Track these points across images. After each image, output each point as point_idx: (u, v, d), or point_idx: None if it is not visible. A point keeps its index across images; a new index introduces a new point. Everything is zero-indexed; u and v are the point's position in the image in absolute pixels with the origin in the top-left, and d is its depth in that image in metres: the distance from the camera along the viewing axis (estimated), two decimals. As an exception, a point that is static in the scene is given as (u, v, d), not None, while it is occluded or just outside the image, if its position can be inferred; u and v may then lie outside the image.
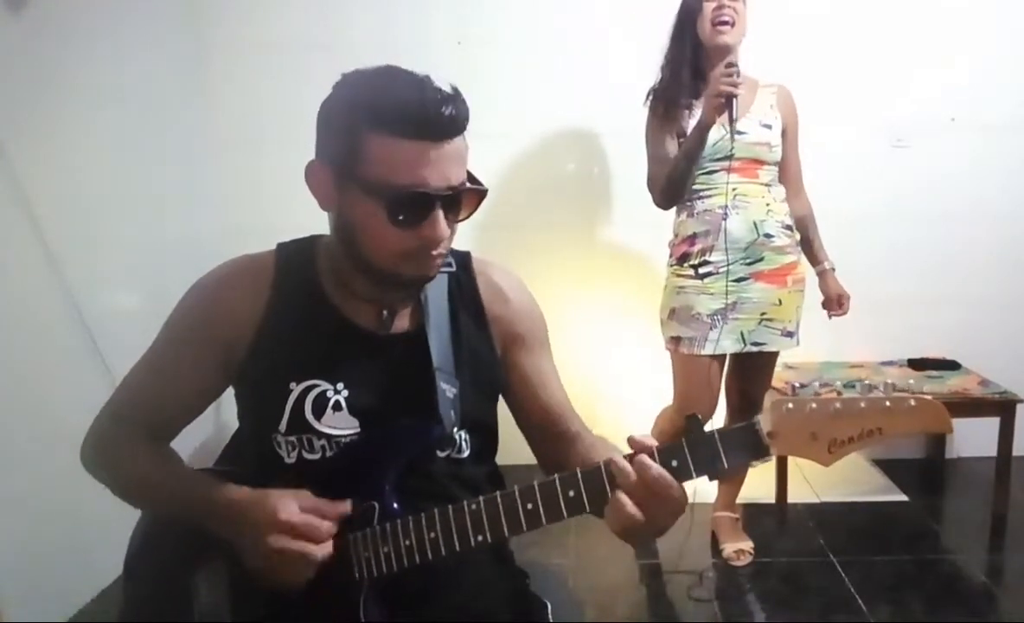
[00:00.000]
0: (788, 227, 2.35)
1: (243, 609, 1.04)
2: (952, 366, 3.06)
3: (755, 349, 2.34)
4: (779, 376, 2.97)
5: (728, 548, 2.58)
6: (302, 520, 0.97)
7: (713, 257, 2.29)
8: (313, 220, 1.16)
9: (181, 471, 1.10)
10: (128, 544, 1.15)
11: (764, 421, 0.90)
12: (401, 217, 0.96)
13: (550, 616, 1.20)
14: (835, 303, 2.50)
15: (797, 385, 2.83)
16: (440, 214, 0.97)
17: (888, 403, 0.88)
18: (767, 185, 2.31)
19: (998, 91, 3.06)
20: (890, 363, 3.13)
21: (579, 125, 3.08)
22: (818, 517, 2.78)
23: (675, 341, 2.38)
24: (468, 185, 1.00)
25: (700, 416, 2.37)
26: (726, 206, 2.26)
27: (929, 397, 0.88)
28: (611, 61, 2.99)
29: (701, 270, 2.31)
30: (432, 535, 0.98)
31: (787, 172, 2.41)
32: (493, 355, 1.15)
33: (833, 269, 2.51)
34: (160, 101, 2.73)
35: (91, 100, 2.34)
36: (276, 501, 0.97)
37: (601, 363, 3.11)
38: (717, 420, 2.58)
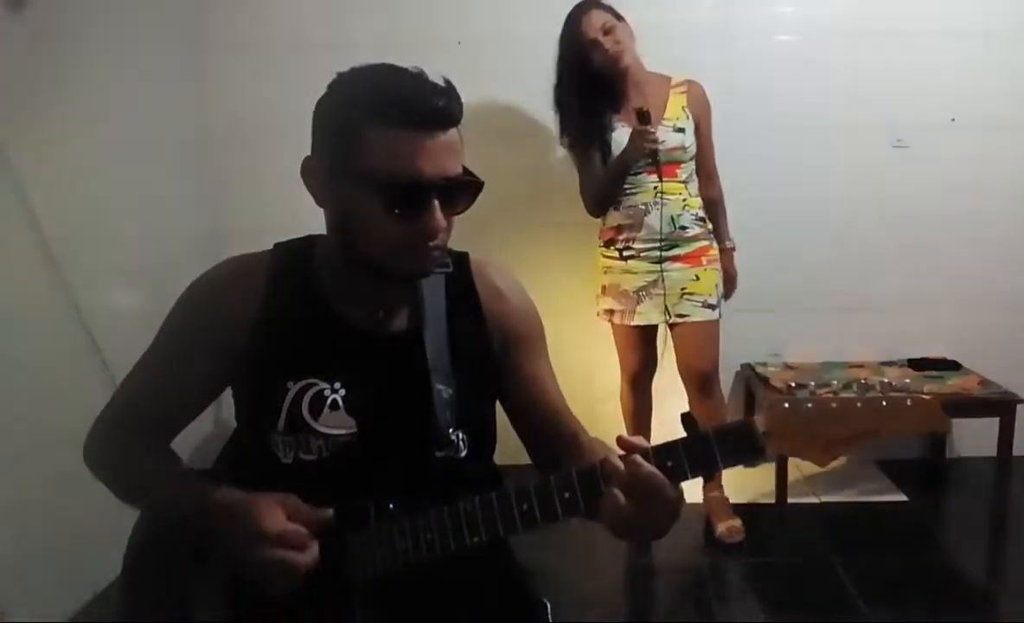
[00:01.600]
0: (701, 219, 2.62)
1: (241, 609, 1.04)
2: (952, 366, 3.06)
3: (680, 320, 2.61)
4: (777, 376, 2.97)
5: (720, 527, 2.66)
6: (285, 529, 0.95)
7: (635, 245, 2.59)
8: (312, 220, 1.16)
9: (178, 473, 1.10)
10: (127, 544, 1.15)
11: (759, 421, 0.90)
12: (398, 208, 0.97)
13: (550, 616, 1.20)
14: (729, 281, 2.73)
15: (794, 385, 2.83)
16: (436, 204, 0.97)
17: (884, 403, 0.88)
18: (684, 182, 2.58)
19: (998, 91, 3.06)
20: (890, 363, 3.13)
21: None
22: (818, 517, 2.78)
23: (609, 313, 2.69)
24: (465, 177, 1.01)
25: (640, 376, 2.44)
26: (648, 203, 2.54)
27: (926, 396, 0.88)
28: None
29: (625, 253, 2.61)
30: (428, 536, 0.98)
31: (701, 160, 2.65)
32: (490, 355, 1.15)
33: (734, 249, 2.74)
34: (160, 101, 2.73)
35: (91, 100, 2.33)
36: (261, 509, 0.96)
37: (600, 363, 3.11)
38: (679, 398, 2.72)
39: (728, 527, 2.65)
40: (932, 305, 3.17)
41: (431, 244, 1.00)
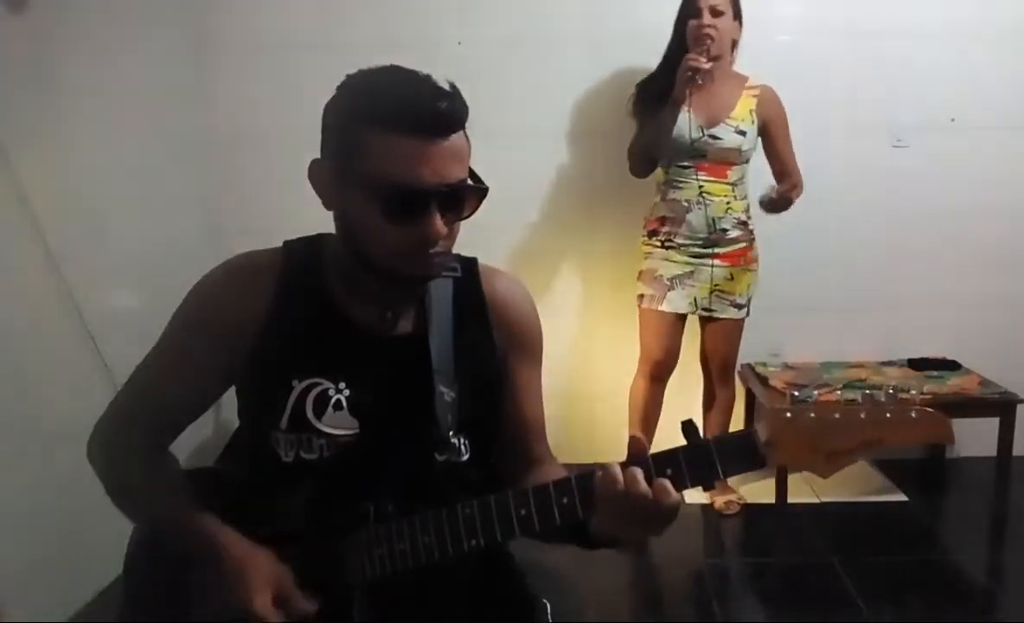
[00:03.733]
0: (743, 222, 2.67)
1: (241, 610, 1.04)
2: (952, 366, 3.06)
3: (705, 314, 2.71)
4: (778, 377, 2.97)
5: (718, 500, 2.80)
6: (268, 618, 0.96)
7: (676, 239, 2.65)
8: (313, 220, 1.16)
9: (176, 493, 1.09)
10: (128, 544, 1.15)
11: (761, 430, 0.89)
12: (396, 213, 0.96)
13: (550, 616, 1.20)
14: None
15: (796, 389, 2.83)
16: (436, 212, 0.97)
17: (889, 414, 0.86)
18: (733, 184, 2.62)
19: (998, 91, 3.06)
20: (890, 363, 3.13)
21: (580, 125, 3.08)
22: (818, 517, 2.78)
23: (640, 298, 2.74)
24: (468, 183, 1.00)
25: (657, 369, 2.52)
26: (691, 201, 2.60)
27: (931, 409, 0.86)
28: (612, 62, 2.99)
29: (666, 243, 2.68)
30: (426, 538, 0.98)
31: (778, 163, 2.68)
32: (495, 360, 1.14)
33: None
34: (160, 101, 2.72)
35: (91, 100, 2.33)
36: (252, 578, 0.97)
37: (600, 363, 3.11)
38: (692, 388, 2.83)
39: (726, 500, 2.80)
40: (932, 305, 3.17)
41: (431, 251, 0.99)
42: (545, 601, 1.22)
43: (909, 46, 3.02)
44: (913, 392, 2.81)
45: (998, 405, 2.79)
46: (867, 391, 2.78)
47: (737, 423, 3.00)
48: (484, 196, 1.03)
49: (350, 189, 0.99)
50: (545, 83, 3.06)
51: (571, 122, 3.08)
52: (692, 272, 2.65)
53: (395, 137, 0.94)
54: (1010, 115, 3.07)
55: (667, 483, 0.89)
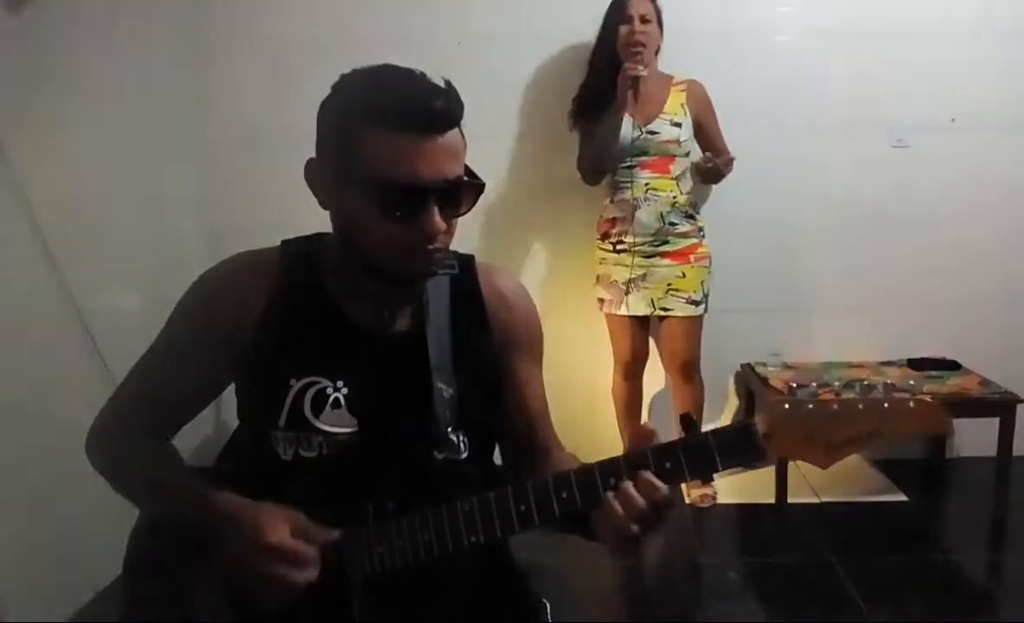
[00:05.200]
0: (691, 216, 2.76)
1: (241, 609, 1.03)
2: (952, 366, 3.05)
3: (664, 313, 2.77)
4: (778, 376, 2.97)
5: (694, 494, 2.84)
6: (288, 545, 0.95)
7: (627, 238, 2.74)
8: (313, 220, 1.16)
9: (180, 472, 1.11)
10: (128, 544, 1.15)
11: (760, 422, 0.89)
12: (395, 211, 0.97)
13: (550, 616, 1.20)
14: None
15: (795, 385, 2.83)
16: (434, 207, 0.97)
17: (886, 405, 0.87)
18: (676, 179, 2.71)
19: (998, 91, 3.06)
20: (890, 363, 3.12)
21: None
22: (818, 517, 2.78)
23: (600, 302, 2.86)
24: (465, 179, 1.00)
25: (630, 365, 2.63)
26: (638, 198, 2.70)
27: (928, 398, 0.87)
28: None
29: (618, 247, 2.78)
30: (425, 535, 0.98)
31: (711, 149, 2.78)
32: (493, 357, 1.15)
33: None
34: (160, 101, 2.73)
35: (91, 100, 2.33)
36: (265, 520, 0.96)
37: (602, 361, 3.11)
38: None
39: (701, 494, 2.84)
40: (932, 305, 3.17)
41: (430, 247, 1.00)
42: (545, 601, 1.21)
43: (909, 46, 3.03)
44: (912, 383, 2.82)
45: (998, 405, 2.79)
46: (864, 380, 2.80)
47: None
48: (481, 192, 1.03)
49: (348, 188, 0.99)
50: (545, 83, 3.06)
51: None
52: (645, 274, 2.73)
53: (392, 134, 0.95)
54: (1010, 115, 3.07)
55: (654, 478, 0.90)
